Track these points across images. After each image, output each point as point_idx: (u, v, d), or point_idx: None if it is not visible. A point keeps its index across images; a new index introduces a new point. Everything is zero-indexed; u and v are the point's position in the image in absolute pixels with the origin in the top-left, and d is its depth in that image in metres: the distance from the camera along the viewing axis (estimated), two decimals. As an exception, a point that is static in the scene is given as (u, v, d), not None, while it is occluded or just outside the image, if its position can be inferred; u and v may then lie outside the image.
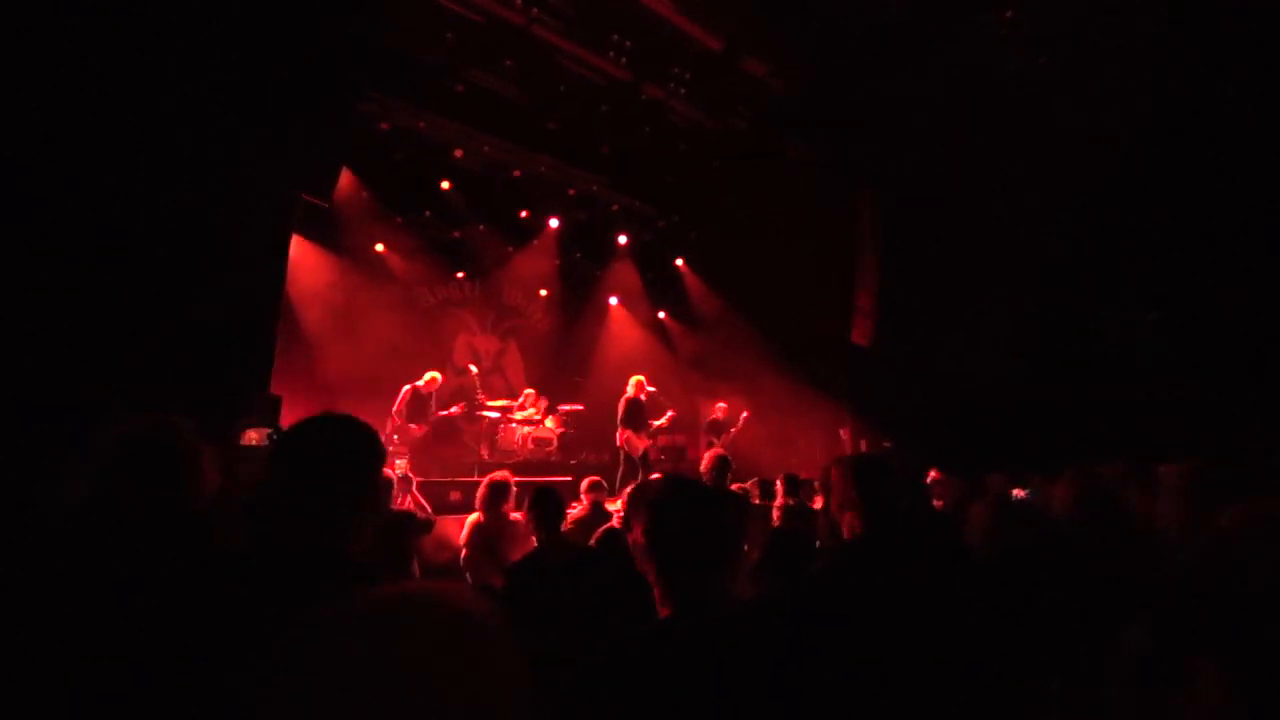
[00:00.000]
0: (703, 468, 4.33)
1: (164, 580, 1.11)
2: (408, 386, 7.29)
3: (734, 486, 4.91)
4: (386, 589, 0.59)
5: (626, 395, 7.50)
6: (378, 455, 1.32)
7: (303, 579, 1.11)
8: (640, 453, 7.35)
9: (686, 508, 1.26)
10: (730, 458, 4.37)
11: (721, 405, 8.70)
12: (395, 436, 7.19)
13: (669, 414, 7.95)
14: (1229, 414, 5.40)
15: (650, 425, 7.63)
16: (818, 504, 4.67)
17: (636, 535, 1.28)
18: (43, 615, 1.14)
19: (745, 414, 8.60)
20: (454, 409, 7.88)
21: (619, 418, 7.43)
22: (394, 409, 7.18)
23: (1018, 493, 4.26)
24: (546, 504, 2.99)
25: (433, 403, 7.53)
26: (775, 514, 4.47)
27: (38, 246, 3.23)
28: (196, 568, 1.15)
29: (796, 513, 4.34)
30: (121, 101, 3.51)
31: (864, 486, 1.86)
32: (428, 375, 7.45)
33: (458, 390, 8.72)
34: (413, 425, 7.25)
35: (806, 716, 1.14)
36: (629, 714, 1.06)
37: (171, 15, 3.69)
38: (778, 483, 4.82)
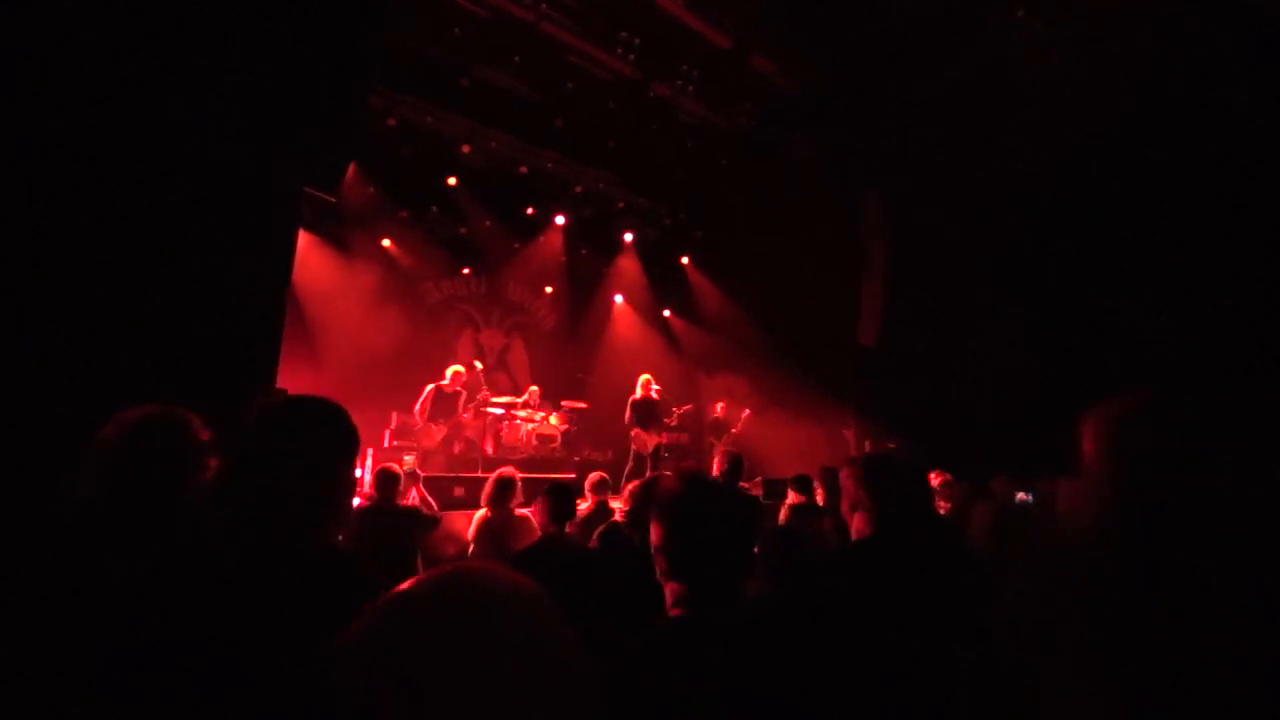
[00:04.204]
0: (716, 467, 4.32)
1: (152, 576, 1.11)
2: (430, 386, 7.01)
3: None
4: (445, 569, 0.60)
5: (634, 396, 7.52)
6: (351, 437, 1.26)
7: (275, 571, 1.10)
8: (651, 449, 7.38)
9: (706, 511, 1.24)
10: (742, 456, 4.37)
11: (720, 405, 8.70)
12: (396, 435, 7.15)
13: (679, 412, 7.97)
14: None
15: (663, 422, 7.65)
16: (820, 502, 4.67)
17: (654, 535, 1.26)
18: (42, 613, 1.14)
19: (746, 413, 8.57)
20: (465, 413, 7.53)
21: (628, 418, 7.43)
22: (415, 408, 6.97)
23: (1021, 496, 4.25)
24: (561, 499, 2.98)
25: (460, 400, 7.17)
26: (783, 513, 4.47)
27: (44, 240, 3.25)
28: (179, 563, 1.13)
29: (806, 512, 4.33)
30: (128, 95, 3.52)
31: (874, 487, 1.83)
32: (451, 370, 7.14)
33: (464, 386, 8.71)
34: (434, 425, 6.99)
35: (819, 716, 1.14)
36: (649, 713, 1.06)
37: (179, 9, 3.70)
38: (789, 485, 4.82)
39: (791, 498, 4.66)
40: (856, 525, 1.86)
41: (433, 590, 0.57)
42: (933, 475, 5.08)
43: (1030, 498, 3.98)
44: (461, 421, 7.47)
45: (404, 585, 0.59)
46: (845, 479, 1.92)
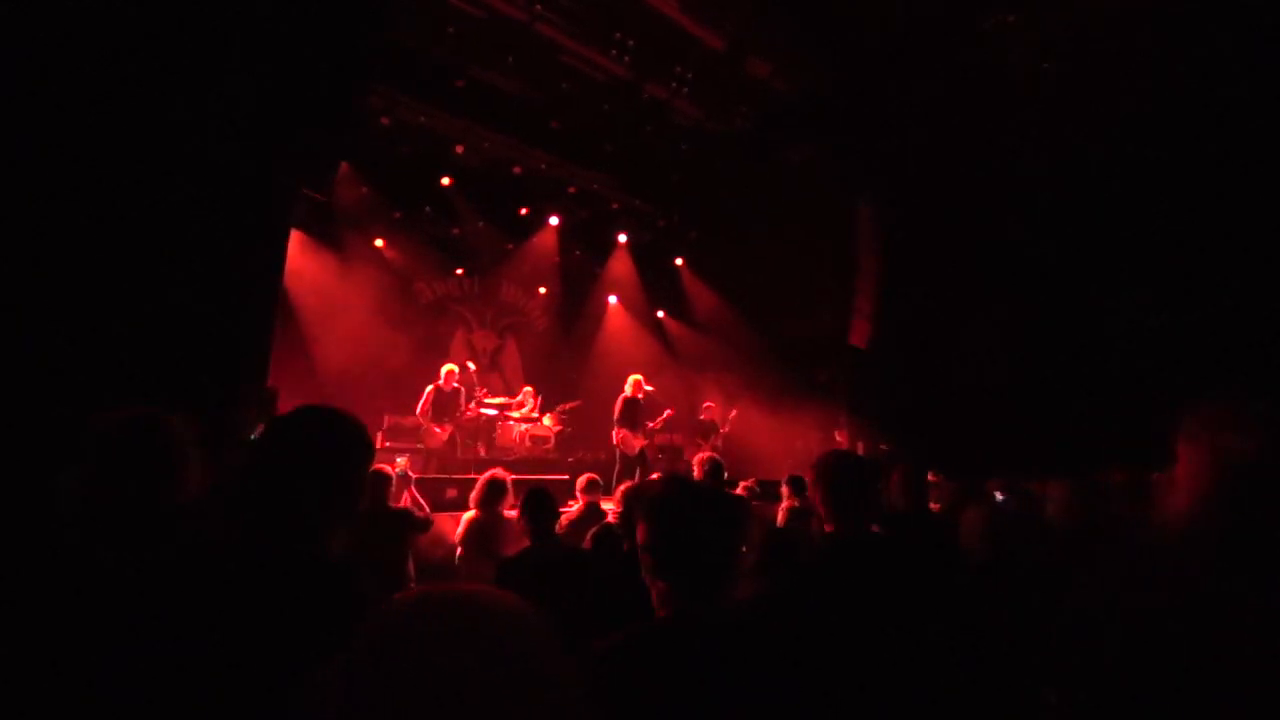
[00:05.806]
0: (695, 472, 4.32)
1: (147, 578, 1.10)
2: (430, 387, 6.97)
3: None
4: (438, 589, 0.60)
5: (624, 394, 7.52)
6: (365, 451, 1.28)
7: (274, 577, 1.10)
8: (636, 451, 7.35)
9: (689, 510, 1.25)
10: (722, 460, 4.38)
11: (708, 405, 8.69)
12: (389, 436, 7.11)
13: (665, 414, 7.95)
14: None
15: (646, 425, 7.63)
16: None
17: (640, 535, 1.27)
18: (32, 614, 1.13)
19: (734, 412, 8.56)
20: (468, 411, 7.50)
21: (615, 416, 7.43)
22: (418, 411, 6.94)
23: (1000, 497, 4.23)
24: (539, 504, 2.99)
25: (460, 398, 7.13)
26: (780, 515, 4.48)
27: (34, 238, 3.22)
28: (175, 565, 1.12)
29: (802, 514, 4.34)
30: (120, 93, 3.49)
31: (829, 486, 1.90)
32: (445, 369, 7.09)
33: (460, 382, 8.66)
34: (438, 428, 6.89)
35: (803, 714, 1.14)
36: (630, 714, 1.06)
37: (171, 8, 3.67)
38: (783, 485, 4.83)
39: (787, 499, 4.67)
40: (816, 523, 1.94)
41: (417, 616, 0.57)
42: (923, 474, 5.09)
43: (1006, 499, 3.96)
44: (465, 422, 7.40)
45: (386, 606, 0.58)
46: (809, 480, 1.98)
